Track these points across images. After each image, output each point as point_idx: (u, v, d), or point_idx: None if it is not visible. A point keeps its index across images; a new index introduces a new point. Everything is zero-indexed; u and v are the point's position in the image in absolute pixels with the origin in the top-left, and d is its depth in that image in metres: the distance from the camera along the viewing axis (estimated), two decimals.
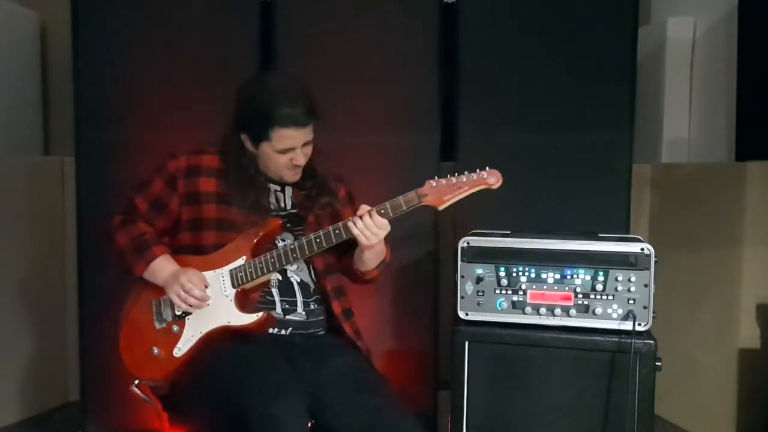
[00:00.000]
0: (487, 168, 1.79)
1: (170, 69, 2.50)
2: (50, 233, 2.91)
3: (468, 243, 2.01)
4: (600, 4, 2.45)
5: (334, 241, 1.82)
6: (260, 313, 1.84)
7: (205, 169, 1.94)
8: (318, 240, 1.82)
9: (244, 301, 1.88)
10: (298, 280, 1.93)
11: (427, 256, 2.52)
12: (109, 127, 2.51)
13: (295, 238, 1.94)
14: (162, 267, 1.88)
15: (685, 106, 3.15)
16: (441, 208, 1.82)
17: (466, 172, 1.79)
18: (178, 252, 1.94)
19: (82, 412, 2.60)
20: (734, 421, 2.57)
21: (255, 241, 1.88)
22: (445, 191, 1.79)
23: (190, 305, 1.84)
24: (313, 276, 1.96)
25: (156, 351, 1.87)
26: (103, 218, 2.42)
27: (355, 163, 2.26)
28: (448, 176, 1.80)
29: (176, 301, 1.84)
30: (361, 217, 1.80)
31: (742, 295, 2.54)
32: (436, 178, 1.80)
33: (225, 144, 1.95)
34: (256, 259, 1.86)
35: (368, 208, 1.81)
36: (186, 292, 1.82)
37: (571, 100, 2.46)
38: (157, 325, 1.89)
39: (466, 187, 1.79)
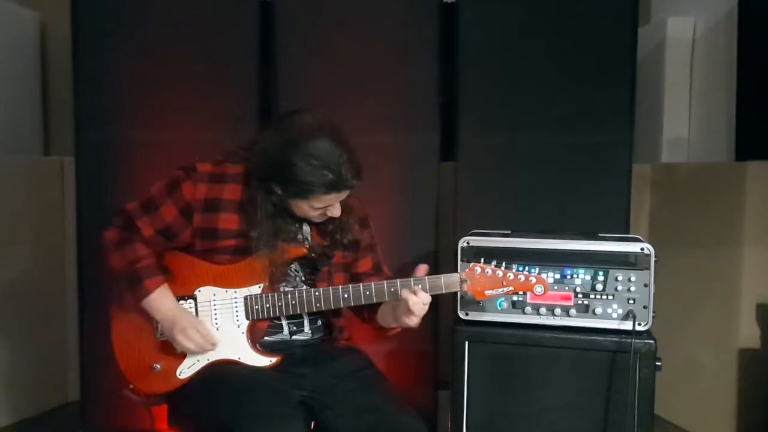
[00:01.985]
0: (537, 274, 1.76)
1: (170, 69, 2.50)
2: (50, 233, 2.91)
3: (468, 243, 2.01)
4: (600, 4, 2.45)
5: (363, 301, 1.77)
6: (273, 359, 1.78)
7: (225, 202, 1.78)
8: (346, 296, 1.76)
9: (254, 331, 1.81)
10: None
11: (427, 256, 2.52)
12: (109, 127, 2.50)
13: (305, 276, 1.88)
14: (156, 306, 1.76)
15: (685, 106, 3.15)
16: (480, 300, 1.80)
17: (514, 269, 1.74)
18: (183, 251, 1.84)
19: (82, 412, 2.60)
20: (734, 421, 2.57)
21: (274, 268, 1.79)
22: (489, 284, 1.75)
23: None
24: None
25: (158, 367, 1.79)
26: (103, 218, 2.44)
27: None
28: (495, 268, 1.75)
29: (180, 347, 1.75)
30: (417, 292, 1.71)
31: (742, 295, 2.54)
32: (482, 262, 1.76)
33: (248, 178, 1.78)
34: (275, 295, 1.77)
35: (425, 268, 1.75)
36: (196, 345, 1.74)
37: (571, 100, 2.46)
38: (158, 336, 1.81)
39: (512, 288, 1.76)
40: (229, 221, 1.78)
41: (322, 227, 1.86)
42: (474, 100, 2.50)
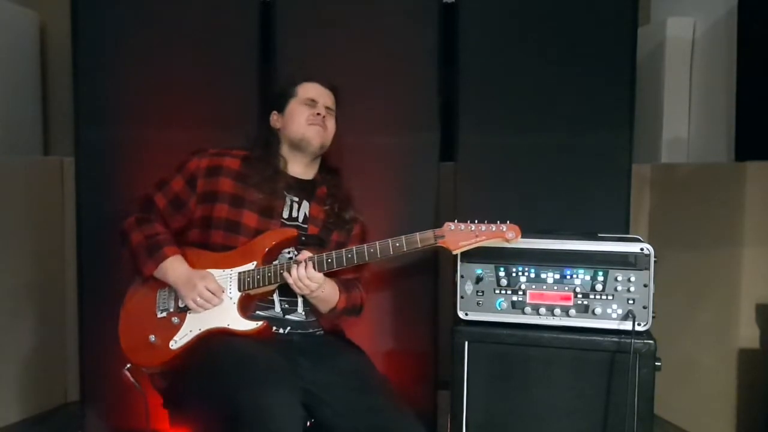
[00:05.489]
0: (508, 222, 1.85)
1: (170, 69, 2.50)
2: (50, 233, 2.91)
3: None
4: (600, 4, 2.45)
5: (345, 264, 1.85)
6: (260, 323, 1.86)
7: (225, 169, 1.98)
8: (330, 261, 1.85)
9: (246, 304, 1.90)
10: None
11: (427, 256, 2.52)
12: (109, 127, 2.50)
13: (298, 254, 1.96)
14: (173, 267, 1.90)
15: (685, 106, 3.15)
16: (455, 252, 1.86)
17: (486, 222, 1.84)
18: (186, 245, 1.97)
19: (82, 412, 2.60)
20: (734, 421, 2.57)
21: (267, 248, 1.91)
22: (463, 237, 1.84)
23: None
24: None
25: (153, 339, 1.89)
26: (102, 218, 2.45)
27: (355, 163, 2.27)
28: (468, 222, 1.85)
29: (191, 305, 1.87)
30: (298, 267, 1.83)
31: (742, 295, 2.54)
32: (455, 221, 1.86)
33: (256, 132, 2.11)
34: (266, 267, 1.89)
35: (309, 255, 1.86)
36: (205, 300, 1.86)
37: (570, 100, 2.46)
38: (159, 314, 1.92)
39: (483, 237, 1.84)
40: (225, 184, 1.96)
41: (320, 200, 2.03)
42: (474, 100, 2.50)
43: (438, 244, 1.85)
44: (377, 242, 1.85)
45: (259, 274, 1.88)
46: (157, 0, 2.50)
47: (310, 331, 1.95)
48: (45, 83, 3.30)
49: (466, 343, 1.99)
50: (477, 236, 1.83)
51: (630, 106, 2.45)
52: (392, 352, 2.52)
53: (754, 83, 2.66)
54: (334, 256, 1.85)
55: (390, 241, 1.84)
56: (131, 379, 1.96)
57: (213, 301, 1.86)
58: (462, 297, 2.02)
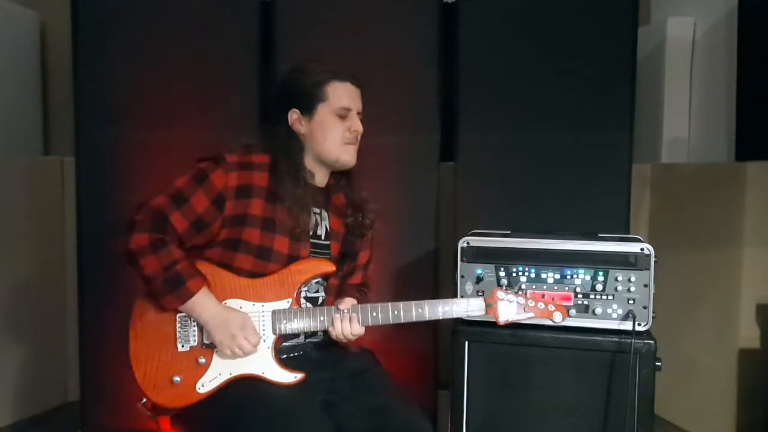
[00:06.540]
0: (556, 301, 1.83)
1: (170, 69, 2.50)
2: (50, 233, 2.91)
3: (468, 243, 2.01)
4: (600, 5, 2.45)
5: (391, 321, 1.78)
6: (298, 375, 1.74)
7: (256, 189, 1.76)
8: (374, 315, 1.77)
9: (278, 345, 1.79)
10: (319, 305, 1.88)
11: (427, 256, 2.52)
12: (109, 127, 2.50)
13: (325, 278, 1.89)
14: (201, 305, 1.71)
15: (685, 106, 3.15)
16: (501, 323, 1.82)
17: (533, 302, 1.81)
18: (202, 259, 1.79)
19: (82, 412, 2.60)
20: (734, 421, 2.57)
21: (302, 282, 1.79)
22: (512, 311, 1.80)
23: None
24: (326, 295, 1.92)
25: (177, 379, 1.72)
26: (103, 218, 2.45)
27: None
28: (518, 294, 1.81)
29: (226, 353, 1.72)
30: (342, 320, 1.76)
31: (742, 295, 2.54)
32: (505, 289, 1.83)
33: (269, 134, 1.84)
34: (302, 311, 1.77)
35: (352, 302, 1.80)
36: (245, 353, 1.72)
37: (571, 100, 2.46)
38: (180, 347, 1.74)
39: (532, 314, 1.81)
40: (257, 206, 1.75)
41: (342, 212, 1.92)
42: (474, 100, 2.50)
43: (488, 313, 1.80)
44: (426, 302, 1.77)
45: (296, 317, 1.76)
46: (157, 0, 2.51)
47: (323, 345, 1.92)
48: (45, 83, 3.30)
49: (466, 343, 1.99)
50: (527, 313, 1.80)
51: (630, 106, 2.45)
52: (392, 352, 2.50)
53: (754, 83, 2.66)
54: (379, 311, 1.76)
55: (440, 305, 1.77)
56: (147, 413, 1.80)
57: (251, 354, 1.73)
58: (462, 297, 2.02)
